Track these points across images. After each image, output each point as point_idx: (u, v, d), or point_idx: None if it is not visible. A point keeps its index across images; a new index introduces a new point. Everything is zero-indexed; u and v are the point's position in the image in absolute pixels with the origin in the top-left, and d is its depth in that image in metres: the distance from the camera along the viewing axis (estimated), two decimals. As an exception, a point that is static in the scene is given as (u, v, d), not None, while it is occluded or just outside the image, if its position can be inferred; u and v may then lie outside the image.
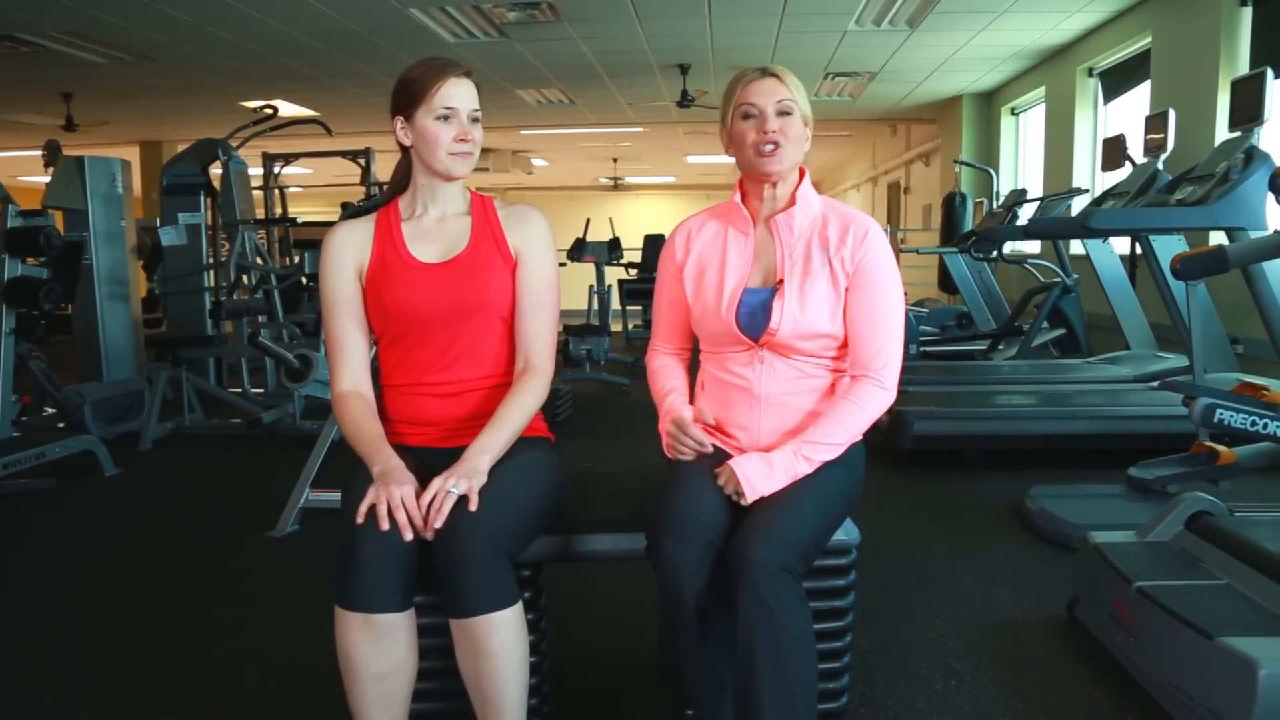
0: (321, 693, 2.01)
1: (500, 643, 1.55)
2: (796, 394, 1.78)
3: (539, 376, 1.81)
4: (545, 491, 1.76)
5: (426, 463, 1.71)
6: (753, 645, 1.51)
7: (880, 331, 1.75)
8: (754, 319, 1.78)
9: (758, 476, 1.65)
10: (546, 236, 1.87)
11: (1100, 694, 2.10)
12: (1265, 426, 2.85)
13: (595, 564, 2.16)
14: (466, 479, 1.60)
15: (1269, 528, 2.24)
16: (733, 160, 1.84)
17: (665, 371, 1.94)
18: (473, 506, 1.57)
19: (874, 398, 1.74)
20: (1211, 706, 1.76)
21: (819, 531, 1.67)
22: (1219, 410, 2.87)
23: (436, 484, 1.59)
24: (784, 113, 1.75)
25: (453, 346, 1.80)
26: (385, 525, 1.54)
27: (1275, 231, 3.17)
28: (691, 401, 1.91)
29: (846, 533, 1.86)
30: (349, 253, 1.82)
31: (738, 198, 1.85)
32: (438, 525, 1.56)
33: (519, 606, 1.59)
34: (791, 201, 1.80)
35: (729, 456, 1.76)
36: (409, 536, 1.55)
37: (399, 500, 1.56)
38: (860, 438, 1.80)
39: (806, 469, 1.68)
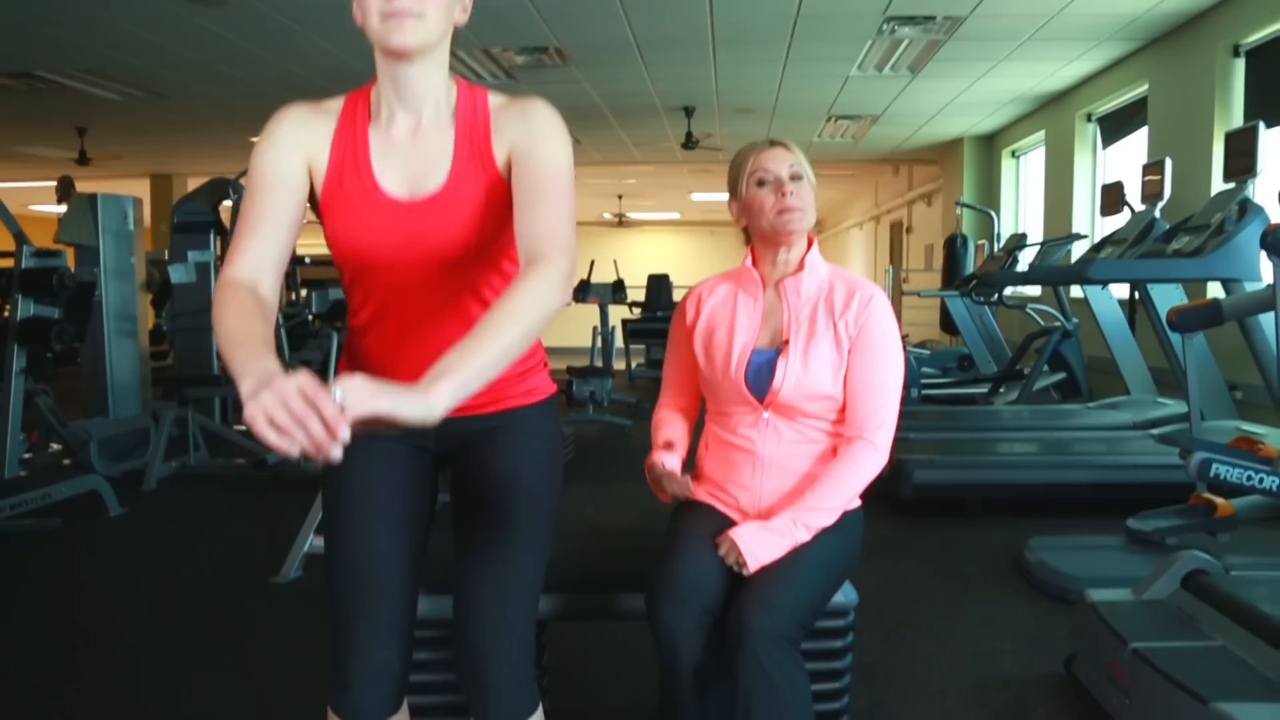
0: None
1: None
2: (798, 458, 1.81)
3: (551, 264, 1.27)
4: (553, 529, 1.52)
5: (402, 446, 1.47)
6: (752, 713, 1.54)
7: (877, 394, 1.79)
8: (760, 378, 1.82)
9: (758, 546, 1.68)
10: (551, 127, 1.39)
11: (1097, 754, 2.11)
12: (1260, 481, 2.88)
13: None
14: (393, 399, 1.05)
15: (1264, 588, 2.26)
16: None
17: (666, 422, 1.98)
18: (384, 409, 1.04)
19: (867, 461, 1.77)
20: (1206, 771, 1.78)
21: (817, 599, 1.70)
22: (1215, 465, 2.89)
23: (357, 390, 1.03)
24: (796, 177, 1.82)
25: (428, 295, 1.42)
26: (289, 448, 1.00)
27: (1268, 285, 3.22)
28: (694, 465, 1.95)
29: (845, 594, 1.89)
30: (301, 139, 1.40)
31: (749, 262, 1.90)
32: (343, 438, 1.01)
33: (539, 711, 1.48)
34: (800, 267, 1.86)
35: (729, 523, 1.79)
36: (328, 451, 1.01)
37: (292, 393, 0.99)
38: (858, 503, 1.84)
39: (806, 537, 1.71)
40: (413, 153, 1.39)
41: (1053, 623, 2.88)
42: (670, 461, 1.87)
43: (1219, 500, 3.25)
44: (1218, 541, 3.23)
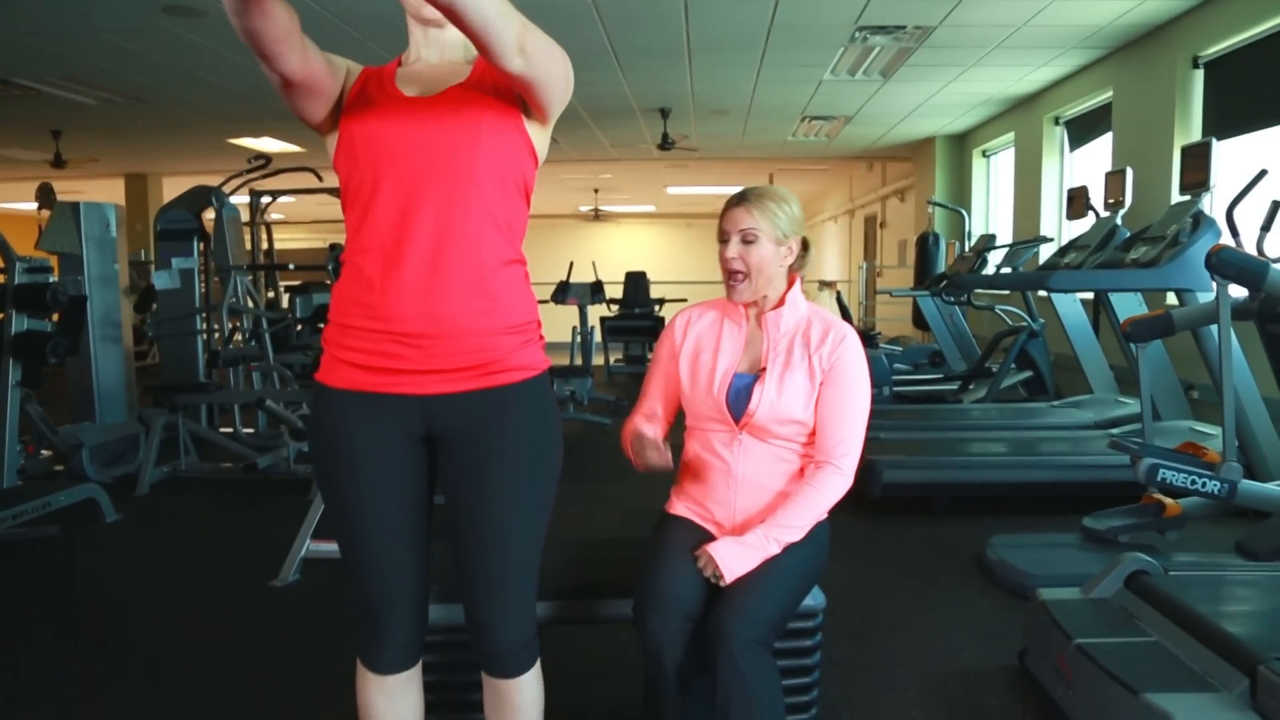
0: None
1: (525, 698, 1.72)
2: (770, 476, 1.98)
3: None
4: (551, 505, 1.68)
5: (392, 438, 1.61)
6: (729, 711, 1.72)
7: (845, 424, 1.96)
8: (739, 400, 1.99)
9: (733, 559, 1.85)
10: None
11: (1046, 741, 2.30)
12: (1204, 485, 3.08)
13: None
14: None
15: (1199, 587, 2.46)
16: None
17: (641, 422, 2.03)
18: None
19: (833, 484, 1.95)
20: (1140, 756, 1.96)
21: (787, 605, 1.88)
22: (1161, 470, 3.09)
23: None
24: (749, 240, 1.95)
25: (432, 209, 1.53)
26: None
27: (1215, 298, 3.41)
28: (675, 480, 2.10)
29: (814, 598, 2.06)
30: (350, 64, 1.64)
31: None
32: None
33: (538, 665, 1.74)
34: (781, 303, 2.02)
35: (707, 535, 1.96)
36: None
37: None
38: (825, 515, 2.00)
39: (777, 550, 1.88)
40: (430, 74, 1.61)
41: (1010, 618, 3.07)
42: (650, 430, 1.92)
43: (1168, 500, 3.45)
44: (1166, 539, 3.44)
